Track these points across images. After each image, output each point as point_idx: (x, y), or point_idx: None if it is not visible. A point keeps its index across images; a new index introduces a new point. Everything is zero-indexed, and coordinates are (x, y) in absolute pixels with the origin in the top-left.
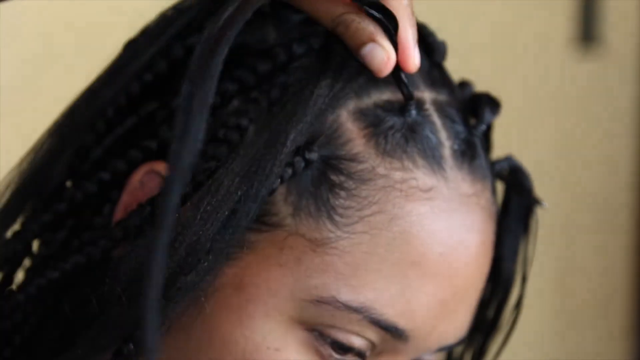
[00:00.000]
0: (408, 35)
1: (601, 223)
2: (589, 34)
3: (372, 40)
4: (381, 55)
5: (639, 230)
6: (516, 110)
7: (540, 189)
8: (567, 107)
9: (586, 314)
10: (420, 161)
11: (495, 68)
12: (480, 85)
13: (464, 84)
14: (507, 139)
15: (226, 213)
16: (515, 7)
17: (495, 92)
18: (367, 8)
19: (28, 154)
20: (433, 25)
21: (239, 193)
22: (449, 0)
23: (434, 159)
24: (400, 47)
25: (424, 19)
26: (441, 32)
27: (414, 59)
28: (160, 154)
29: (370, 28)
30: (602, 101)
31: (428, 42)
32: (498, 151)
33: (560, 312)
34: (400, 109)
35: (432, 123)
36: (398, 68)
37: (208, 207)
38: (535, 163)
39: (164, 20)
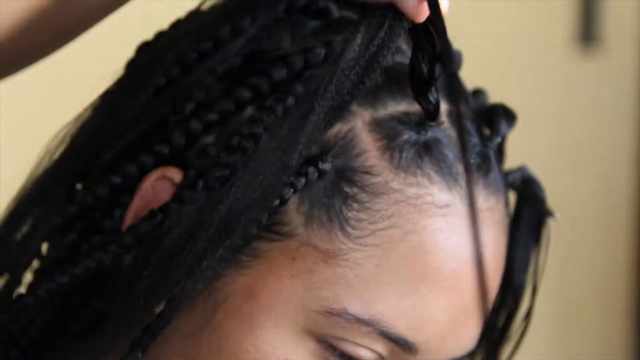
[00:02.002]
0: None
1: (601, 223)
2: (589, 34)
3: None
4: (417, 5)
5: (639, 230)
6: (516, 110)
7: None
8: (567, 107)
9: (586, 314)
10: (435, 177)
11: (495, 68)
12: (480, 86)
13: (478, 92)
14: (509, 135)
15: (238, 221)
16: (516, 7)
17: (495, 92)
18: None
19: (41, 157)
20: None
21: (251, 201)
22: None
23: (450, 176)
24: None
25: None
26: None
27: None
28: (172, 160)
29: None
30: (602, 101)
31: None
32: None
33: (560, 313)
34: (417, 123)
35: (448, 137)
36: (427, 86)
37: (220, 214)
38: (535, 163)
39: (179, 26)
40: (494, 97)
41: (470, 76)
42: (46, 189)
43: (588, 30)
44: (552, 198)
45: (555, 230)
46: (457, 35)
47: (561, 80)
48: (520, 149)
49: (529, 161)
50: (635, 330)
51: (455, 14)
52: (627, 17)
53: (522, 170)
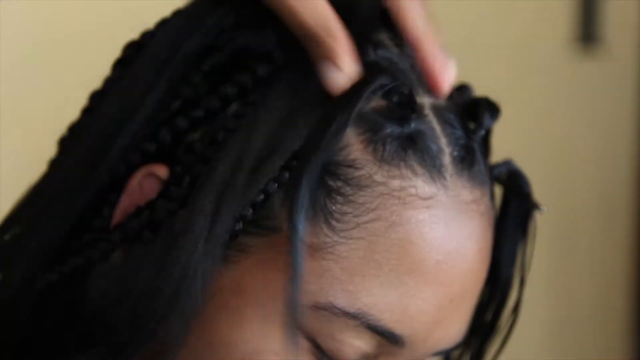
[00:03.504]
0: (427, 52)
1: (601, 223)
2: (589, 34)
3: (329, 58)
4: (333, 77)
5: (639, 230)
6: (516, 110)
7: (539, 189)
8: (567, 107)
9: (586, 314)
10: (419, 169)
11: (495, 68)
12: (480, 86)
13: (463, 87)
14: (506, 138)
15: (222, 215)
16: (515, 7)
17: (495, 92)
18: None
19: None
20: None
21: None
22: (449, 0)
23: (434, 167)
24: (423, 68)
25: None
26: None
27: (441, 78)
28: (159, 157)
29: (334, 44)
30: (602, 101)
31: None
32: (498, 150)
33: (559, 313)
34: (400, 116)
35: (432, 130)
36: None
37: (205, 208)
38: (535, 163)
39: (165, 25)
40: (494, 97)
41: (469, 76)
42: (39, 189)
43: (588, 30)
44: (552, 198)
45: (554, 230)
46: (457, 35)
47: (561, 80)
48: (520, 149)
49: (529, 161)
50: (635, 330)
51: (455, 14)
52: (627, 17)
53: (507, 164)
